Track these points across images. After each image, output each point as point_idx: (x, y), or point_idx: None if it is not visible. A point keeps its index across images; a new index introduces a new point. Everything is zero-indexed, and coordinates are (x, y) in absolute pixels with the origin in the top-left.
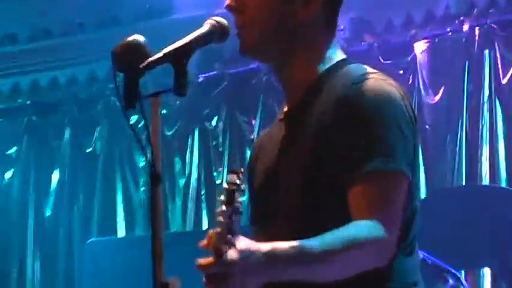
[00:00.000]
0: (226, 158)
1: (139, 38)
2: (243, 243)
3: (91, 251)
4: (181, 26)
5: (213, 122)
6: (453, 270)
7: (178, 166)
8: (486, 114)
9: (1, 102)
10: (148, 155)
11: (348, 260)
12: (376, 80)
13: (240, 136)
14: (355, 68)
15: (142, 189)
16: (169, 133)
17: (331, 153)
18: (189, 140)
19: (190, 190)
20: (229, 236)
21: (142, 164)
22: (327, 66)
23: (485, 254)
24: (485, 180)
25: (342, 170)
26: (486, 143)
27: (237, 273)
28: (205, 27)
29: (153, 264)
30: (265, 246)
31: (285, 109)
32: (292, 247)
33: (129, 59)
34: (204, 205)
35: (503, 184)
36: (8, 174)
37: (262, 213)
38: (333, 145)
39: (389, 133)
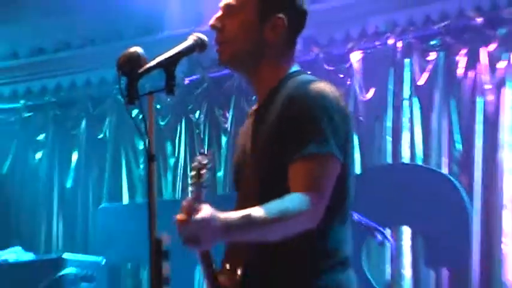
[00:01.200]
0: (206, 142)
1: (138, 49)
2: (207, 210)
3: (102, 214)
4: (171, 40)
5: (196, 115)
6: (380, 228)
7: (169, 149)
8: (407, 109)
9: (32, 99)
10: (146, 140)
11: (282, 226)
12: (316, 84)
13: (217, 126)
14: (303, 76)
15: (141, 166)
16: (162, 123)
17: (280, 142)
18: (178, 128)
19: (179, 167)
20: (196, 204)
21: (141, 147)
22: (284, 75)
23: (396, 215)
24: (406, 159)
25: (287, 155)
26: (407, 130)
27: (200, 228)
28: (189, 41)
29: (149, 224)
30: (222, 215)
31: (255, 107)
32: (242, 217)
33: (130, 66)
34: (188, 179)
35: (420, 162)
36: (38, 155)
37: (239, 186)
38: (281, 135)
39: (322, 123)
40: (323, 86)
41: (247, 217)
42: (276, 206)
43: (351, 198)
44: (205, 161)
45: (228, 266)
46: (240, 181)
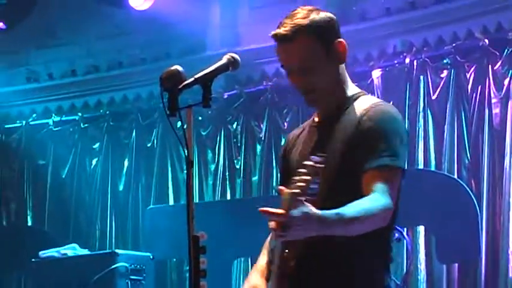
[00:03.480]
0: (242, 150)
1: (178, 67)
2: (309, 205)
3: (150, 214)
4: (211, 59)
5: (234, 126)
6: (398, 227)
7: (209, 156)
8: (421, 120)
9: (88, 112)
10: (185, 148)
11: (364, 223)
12: (386, 105)
13: (253, 136)
14: (370, 97)
15: (185, 171)
16: (204, 133)
17: (355, 153)
18: (217, 138)
19: (218, 173)
20: (302, 198)
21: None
22: (351, 94)
23: (412, 216)
24: (420, 165)
25: (361, 164)
26: (421, 140)
27: (297, 226)
28: (223, 60)
29: (188, 222)
30: (318, 212)
31: (316, 120)
32: (334, 214)
33: (171, 82)
34: (227, 183)
35: (433, 168)
36: (93, 162)
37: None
38: (357, 147)
39: (396, 141)
40: (392, 108)
41: (338, 215)
42: (359, 204)
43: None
44: (319, 160)
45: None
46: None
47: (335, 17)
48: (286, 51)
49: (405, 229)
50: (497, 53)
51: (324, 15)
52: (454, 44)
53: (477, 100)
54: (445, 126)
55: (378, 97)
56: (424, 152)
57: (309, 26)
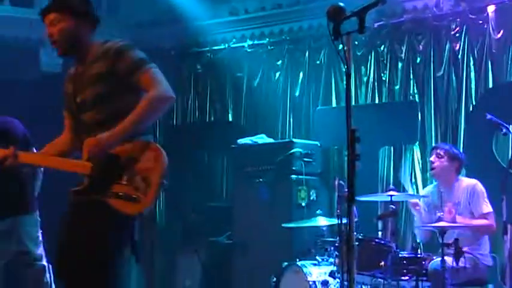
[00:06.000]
0: (387, 67)
1: (341, 4)
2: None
3: (318, 114)
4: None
5: (381, 48)
6: (505, 124)
7: (362, 71)
8: None
9: (274, 38)
10: (345, 64)
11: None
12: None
13: (395, 55)
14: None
15: (344, 82)
16: (359, 53)
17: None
18: (369, 57)
19: (369, 83)
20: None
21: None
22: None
23: None
24: None
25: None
26: None
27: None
28: None
29: (347, 119)
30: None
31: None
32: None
33: (335, 15)
34: (375, 90)
35: None
36: (277, 75)
37: None
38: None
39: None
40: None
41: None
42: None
43: None
44: None
45: None
46: None
47: None
48: None
49: (510, 125)
50: None
51: None
52: None
53: None
54: None
55: (492, 28)
56: None
57: None
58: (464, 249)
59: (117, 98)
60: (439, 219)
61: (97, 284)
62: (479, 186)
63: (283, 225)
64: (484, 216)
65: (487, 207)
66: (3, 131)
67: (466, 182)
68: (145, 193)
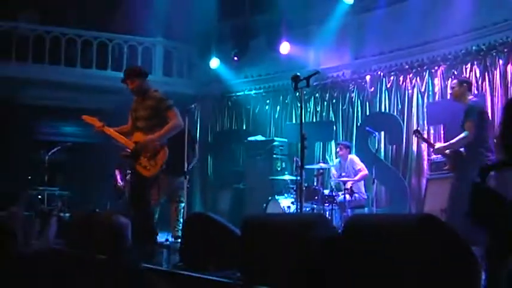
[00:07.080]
0: None
1: (298, 73)
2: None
3: None
4: None
5: None
6: (374, 132)
7: None
8: None
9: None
10: None
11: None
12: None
13: None
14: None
15: None
16: None
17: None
18: None
19: None
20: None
21: None
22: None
23: None
24: None
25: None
26: None
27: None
28: None
29: None
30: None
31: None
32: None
33: (295, 78)
34: None
35: None
36: None
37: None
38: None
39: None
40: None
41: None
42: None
43: None
44: None
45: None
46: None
47: None
48: None
49: (377, 132)
50: None
51: None
52: None
53: None
54: None
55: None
56: None
57: None
58: (354, 190)
59: (155, 120)
60: (340, 177)
61: (143, 204)
62: (356, 158)
63: (269, 177)
64: (361, 171)
65: (361, 165)
66: None
67: (351, 156)
68: (154, 167)
